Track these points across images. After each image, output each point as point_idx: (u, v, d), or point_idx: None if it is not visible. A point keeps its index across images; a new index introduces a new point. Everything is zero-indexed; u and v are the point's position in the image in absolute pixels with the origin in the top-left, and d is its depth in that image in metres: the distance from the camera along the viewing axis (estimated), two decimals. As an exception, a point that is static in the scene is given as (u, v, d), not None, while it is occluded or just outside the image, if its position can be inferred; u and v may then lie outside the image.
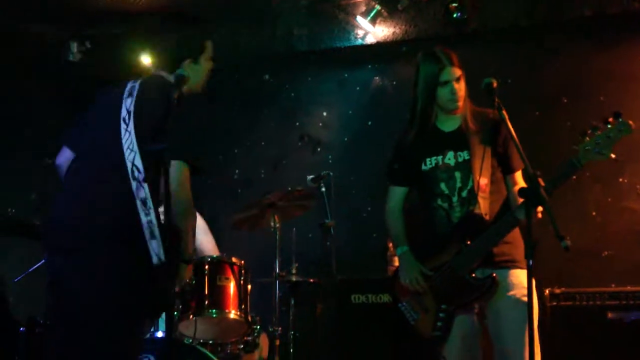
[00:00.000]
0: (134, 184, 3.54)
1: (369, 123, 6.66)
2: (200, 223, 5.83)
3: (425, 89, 4.10)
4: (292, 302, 5.45)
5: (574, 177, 3.65)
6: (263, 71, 6.94)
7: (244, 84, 6.90)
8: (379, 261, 5.68)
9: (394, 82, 6.67)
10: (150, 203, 3.52)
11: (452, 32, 6.00)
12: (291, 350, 5.28)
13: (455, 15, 5.67)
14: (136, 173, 3.55)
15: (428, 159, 4.11)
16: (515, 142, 3.57)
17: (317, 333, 5.70)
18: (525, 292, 3.76)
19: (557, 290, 4.84)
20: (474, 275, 3.87)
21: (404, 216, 4.32)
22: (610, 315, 4.92)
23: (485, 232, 3.84)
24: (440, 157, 4.09)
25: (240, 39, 6.59)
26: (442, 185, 4.07)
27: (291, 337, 5.32)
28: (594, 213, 5.77)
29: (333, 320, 5.53)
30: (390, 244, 5.60)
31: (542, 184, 3.44)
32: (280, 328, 5.11)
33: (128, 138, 3.62)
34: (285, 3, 6.15)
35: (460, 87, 4.03)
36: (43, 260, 5.23)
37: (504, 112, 3.66)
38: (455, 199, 4.02)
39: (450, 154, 4.05)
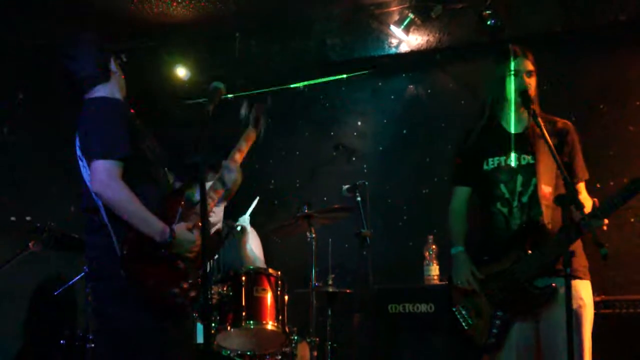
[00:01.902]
0: None
1: (404, 132, 6.64)
2: (251, 230, 5.79)
3: (496, 81, 4.07)
4: (330, 312, 5.45)
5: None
6: (297, 81, 6.94)
7: (278, 95, 6.91)
8: (415, 271, 5.65)
9: (429, 91, 6.64)
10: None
11: (486, 40, 5.95)
12: (329, 361, 5.28)
13: (489, 23, 5.63)
14: None
15: (490, 159, 4.07)
16: (551, 147, 3.56)
17: (354, 343, 5.70)
18: (581, 302, 3.82)
19: (597, 299, 4.79)
20: (533, 284, 3.82)
21: (466, 218, 4.30)
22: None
23: (549, 241, 3.78)
24: (503, 158, 4.04)
25: (274, 49, 6.59)
26: (502, 188, 4.01)
27: (329, 347, 5.31)
28: (632, 219, 5.71)
29: (370, 330, 5.52)
30: (427, 254, 5.59)
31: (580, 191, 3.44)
32: (317, 339, 5.11)
33: None
34: (318, 13, 6.13)
35: (531, 82, 4.00)
36: (82, 274, 5.33)
37: (540, 121, 3.65)
38: (515, 203, 3.97)
39: (514, 156, 3.98)
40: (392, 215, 6.45)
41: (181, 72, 6.83)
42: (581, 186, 4.05)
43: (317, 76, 6.82)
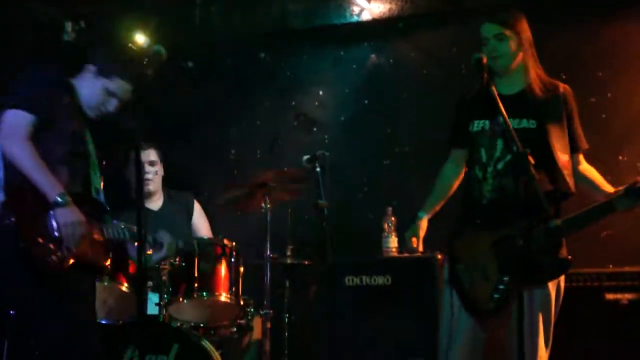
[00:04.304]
0: None
1: (366, 102, 6.54)
2: (196, 206, 5.77)
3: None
4: (287, 284, 5.37)
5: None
6: (258, 49, 6.82)
7: (238, 63, 6.79)
8: (374, 243, 5.57)
9: (391, 60, 6.53)
10: None
11: (450, 9, 5.86)
12: (285, 334, 5.19)
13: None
14: None
15: (477, 121, 3.99)
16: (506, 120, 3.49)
17: (311, 316, 5.64)
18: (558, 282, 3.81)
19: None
20: (546, 256, 3.70)
21: (454, 180, 4.25)
22: (607, 296, 4.84)
23: (576, 215, 3.69)
24: (487, 121, 3.95)
25: (234, 16, 6.47)
26: (482, 152, 3.93)
27: (285, 319, 5.23)
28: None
29: (327, 302, 5.45)
30: (386, 225, 5.51)
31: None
32: (272, 311, 5.02)
33: None
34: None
35: (502, 46, 3.90)
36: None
37: (493, 88, 3.57)
38: (490, 169, 3.89)
39: (500, 120, 3.78)
40: (352, 186, 6.37)
41: (140, 38, 6.67)
42: (581, 157, 4.00)
43: (278, 44, 6.69)
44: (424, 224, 4.24)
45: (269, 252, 4.99)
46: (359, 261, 5.38)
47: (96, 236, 3.91)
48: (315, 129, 6.69)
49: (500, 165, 3.87)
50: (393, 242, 5.48)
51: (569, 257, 3.73)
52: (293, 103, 6.78)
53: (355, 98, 6.57)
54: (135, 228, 3.78)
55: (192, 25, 6.53)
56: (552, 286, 3.80)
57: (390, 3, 6.17)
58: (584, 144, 3.99)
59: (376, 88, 6.53)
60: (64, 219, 3.66)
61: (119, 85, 4.00)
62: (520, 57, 3.94)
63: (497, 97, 3.60)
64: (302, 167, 5.52)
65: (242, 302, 4.92)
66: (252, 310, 5.07)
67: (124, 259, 4.69)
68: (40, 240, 3.64)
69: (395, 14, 6.31)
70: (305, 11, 6.35)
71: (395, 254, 5.43)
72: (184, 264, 4.77)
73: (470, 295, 3.87)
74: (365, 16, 6.38)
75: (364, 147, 6.44)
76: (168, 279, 4.75)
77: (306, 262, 5.38)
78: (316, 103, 6.73)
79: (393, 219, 5.51)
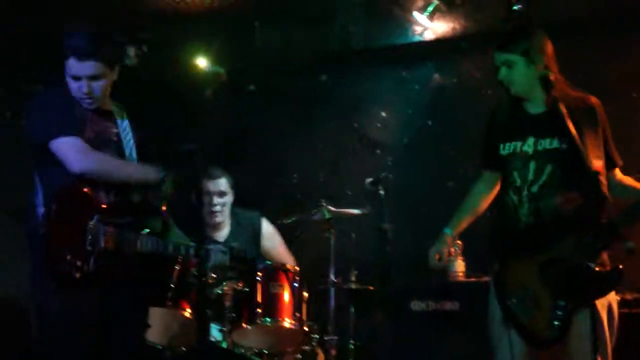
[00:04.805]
0: None
1: (429, 123, 6.44)
2: (264, 226, 5.67)
3: None
4: (352, 310, 5.29)
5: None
6: (319, 71, 6.78)
7: (299, 85, 6.76)
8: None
9: (454, 80, 6.44)
10: None
11: (513, 26, 5.71)
12: (350, 360, 5.11)
13: (515, 8, 5.42)
14: None
15: (508, 144, 3.89)
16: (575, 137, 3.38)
17: (376, 342, 5.53)
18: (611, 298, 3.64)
19: (629, 297, 4.57)
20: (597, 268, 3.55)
21: (481, 202, 4.15)
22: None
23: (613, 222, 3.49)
24: (519, 143, 3.85)
25: (295, 38, 6.43)
26: (515, 175, 3.82)
27: (351, 346, 5.14)
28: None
29: (392, 328, 5.35)
30: (452, 249, 5.38)
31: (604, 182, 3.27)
32: (336, 337, 4.94)
33: None
34: (340, 0, 5.96)
35: (513, 73, 3.85)
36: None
37: (562, 107, 3.46)
38: (524, 192, 3.79)
39: (531, 141, 3.79)
40: (416, 209, 6.27)
41: (202, 62, 6.70)
42: (617, 171, 3.87)
43: (340, 66, 6.64)
44: (449, 240, 4.14)
45: (332, 277, 4.91)
46: (425, 286, 5.27)
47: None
48: (378, 151, 6.61)
49: (534, 189, 3.77)
50: (460, 266, 5.38)
51: (620, 265, 3.55)
52: (355, 125, 6.72)
53: (419, 119, 6.48)
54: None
55: (253, 48, 6.50)
56: (601, 307, 3.61)
57: (453, 22, 6.07)
58: (619, 160, 3.86)
59: (440, 109, 6.44)
60: None
61: (73, 65, 3.84)
62: (538, 77, 3.82)
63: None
64: (365, 190, 5.49)
65: (306, 328, 4.85)
66: (316, 336, 5.00)
67: (186, 285, 4.65)
68: (69, 257, 3.64)
69: (459, 33, 6.21)
70: (366, 32, 6.27)
71: (462, 278, 5.31)
72: (247, 289, 4.72)
73: (529, 328, 3.74)
74: (428, 35, 6.28)
75: (427, 169, 6.34)
76: (231, 304, 4.70)
77: (371, 287, 5.30)
78: (379, 125, 6.66)
79: (459, 242, 5.38)
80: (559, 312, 3.61)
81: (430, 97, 6.49)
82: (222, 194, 5.42)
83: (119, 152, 3.94)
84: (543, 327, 3.65)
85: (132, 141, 4.00)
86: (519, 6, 5.44)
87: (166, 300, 4.55)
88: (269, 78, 6.78)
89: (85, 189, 3.76)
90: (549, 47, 3.92)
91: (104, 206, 3.78)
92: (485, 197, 4.14)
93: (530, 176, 3.78)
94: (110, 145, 3.94)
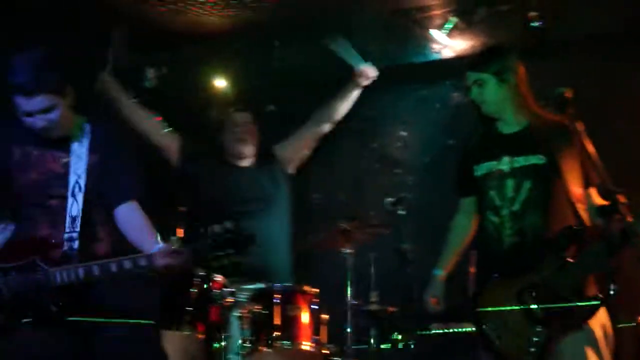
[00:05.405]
0: None
1: (450, 142, 6.39)
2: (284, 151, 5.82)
3: None
4: (372, 332, 5.23)
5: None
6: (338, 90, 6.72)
7: (318, 104, 6.71)
8: (460, 288, 5.37)
9: (475, 98, 6.35)
10: None
11: (532, 43, 5.67)
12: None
13: (534, 25, 5.37)
14: None
15: (482, 164, 3.90)
16: (591, 156, 3.31)
17: (397, 364, 5.47)
18: (603, 322, 3.60)
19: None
20: (576, 296, 3.52)
21: (465, 232, 4.17)
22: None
23: (594, 248, 3.52)
24: (494, 163, 3.85)
25: (313, 57, 6.42)
26: (492, 194, 3.82)
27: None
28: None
29: (413, 350, 5.28)
30: (473, 270, 5.31)
31: (622, 200, 3.20)
32: (356, 360, 4.88)
33: None
34: (358, 19, 5.94)
35: (484, 92, 3.89)
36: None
37: (579, 125, 3.41)
38: (505, 212, 3.75)
39: (505, 159, 3.78)
40: (437, 229, 6.16)
41: (220, 82, 6.70)
42: (593, 192, 3.80)
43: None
44: (441, 283, 4.23)
45: (349, 299, 4.86)
46: (446, 308, 5.19)
47: None
48: (398, 171, 6.55)
49: (516, 207, 3.76)
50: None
51: (599, 294, 3.53)
52: (375, 145, 6.68)
53: (439, 138, 6.43)
54: None
55: (272, 68, 6.52)
56: (596, 325, 3.59)
57: (472, 39, 6.03)
58: (595, 179, 3.76)
59: (460, 127, 6.35)
60: None
61: (21, 103, 3.72)
62: (511, 97, 3.87)
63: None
64: (385, 211, 5.44)
65: (325, 351, 4.77)
66: (336, 359, 4.90)
67: (203, 307, 4.60)
68: None
69: (478, 50, 6.14)
70: (384, 50, 6.24)
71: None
72: (265, 312, 4.66)
73: (504, 354, 3.68)
74: (447, 53, 6.24)
75: (448, 189, 6.23)
76: (249, 327, 4.65)
77: (391, 309, 5.24)
78: (399, 144, 6.62)
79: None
80: (536, 339, 3.57)
81: (451, 116, 6.44)
82: (247, 124, 5.63)
83: (64, 185, 3.83)
84: (520, 355, 3.62)
85: (83, 166, 3.86)
86: (538, 22, 5.39)
87: (183, 323, 4.49)
88: (289, 97, 6.76)
89: None
90: (521, 69, 3.96)
91: None
92: (469, 228, 4.18)
93: (509, 193, 3.78)
94: (56, 182, 3.83)
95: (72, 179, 3.83)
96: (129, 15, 5.65)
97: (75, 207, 3.80)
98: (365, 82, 5.61)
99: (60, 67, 3.82)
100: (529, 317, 3.62)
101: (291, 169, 5.78)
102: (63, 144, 3.89)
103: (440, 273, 4.23)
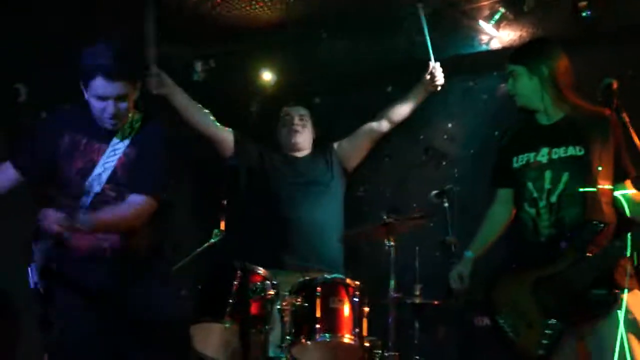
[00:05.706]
0: None
1: (497, 134, 6.25)
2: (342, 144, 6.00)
3: None
4: (416, 325, 5.21)
5: None
6: (385, 83, 6.70)
7: (365, 97, 6.69)
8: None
9: (523, 89, 6.25)
10: None
11: (582, 34, 5.57)
12: (414, 377, 5.02)
13: (584, 14, 5.27)
14: None
15: (521, 156, 3.90)
16: (635, 147, 3.25)
17: (440, 358, 5.42)
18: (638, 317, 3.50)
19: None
20: (591, 291, 3.49)
21: (502, 222, 4.20)
22: None
23: (612, 243, 3.50)
24: (532, 154, 3.85)
25: (360, 49, 6.39)
26: (530, 186, 3.80)
27: (415, 363, 5.06)
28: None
29: (456, 344, 5.24)
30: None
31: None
32: (397, 353, 4.83)
33: None
34: (406, 10, 5.88)
35: (518, 84, 3.97)
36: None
37: (625, 116, 3.35)
38: (542, 203, 3.70)
39: (544, 150, 3.72)
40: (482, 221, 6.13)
41: (267, 76, 6.70)
42: (628, 184, 3.78)
43: (405, 77, 6.56)
44: (470, 263, 4.29)
45: (392, 292, 4.83)
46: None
47: None
48: (444, 163, 6.51)
49: (553, 198, 3.74)
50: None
51: (616, 289, 3.48)
52: (421, 137, 6.63)
53: (486, 130, 6.32)
54: None
55: (319, 60, 6.53)
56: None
57: (520, 30, 5.92)
58: (633, 171, 3.76)
59: (508, 119, 6.23)
60: None
61: (100, 85, 3.76)
62: (544, 90, 3.88)
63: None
64: (430, 203, 5.40)
65: (366, 344, 4.75)
66: (378, 352, 4.89)
67: (245, 300, 4.62)
68: None
69: (526, 41, 6.04)
70: (432, 42, 6.17)
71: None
72: (306, 304, 4.66)
73: (517, 346, 3.65)
74: (495, 45, 6.15)
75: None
76: (290, 320, 4.65)
77: (435, 302, 5.20)
78: (445, 136, 6.56)
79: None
80: (548, 331, 3.53)
81: (497, 107, 6.33)
82: (302, 117, 5.79)
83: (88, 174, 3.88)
84: (532, 345, 3.63)
85: (113, 163, 3.88)
86: (587, 12, 5.29)
87: (225, 315, 4.51)
88: (335, 90, 6.74)
89: None
90: (562, 61, 3.95)
91: None
92: (505, 218, 4.20)
93: (547, 185, 3.75)
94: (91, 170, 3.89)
95: (96, 171, 3.88)
96: (178, 9, 5.67)
97: (84, 199, 3.87)
98: (434, 86, 5.69)
99: (139, 58, 3.91)
100: (543, 309, 3.58)
101: (349, 167, 5.87)
102: (107, 137, 3.94)
103: (471, 256, 4.29)
